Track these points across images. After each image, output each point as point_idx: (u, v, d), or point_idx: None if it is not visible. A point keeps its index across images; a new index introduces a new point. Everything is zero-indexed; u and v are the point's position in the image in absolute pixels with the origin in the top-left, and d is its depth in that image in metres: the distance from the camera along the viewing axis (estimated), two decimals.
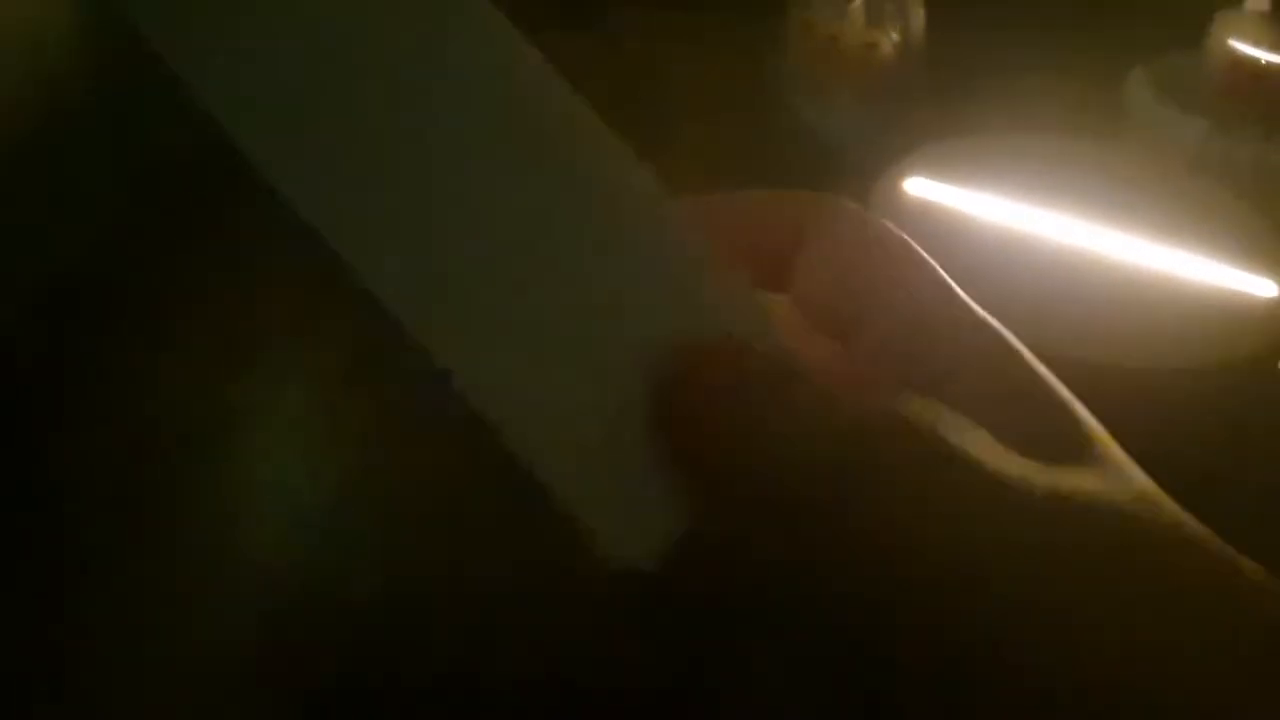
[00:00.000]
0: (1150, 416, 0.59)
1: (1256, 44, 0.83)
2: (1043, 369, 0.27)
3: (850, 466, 0.24)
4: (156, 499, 0.61)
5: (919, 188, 0.72)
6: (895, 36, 0.88)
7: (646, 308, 0.27)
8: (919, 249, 0.29)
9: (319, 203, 0.25)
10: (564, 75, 0.27)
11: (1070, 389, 0.28)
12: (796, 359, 0.27)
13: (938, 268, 0.29)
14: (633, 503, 0.26)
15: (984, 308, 0.29)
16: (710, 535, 0.26)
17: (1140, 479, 0.25)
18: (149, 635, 0.55)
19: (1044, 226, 0.69)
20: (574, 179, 0.27)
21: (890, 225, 0.29)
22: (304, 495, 0.62)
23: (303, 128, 0.25)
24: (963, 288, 0.29)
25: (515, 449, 0.26)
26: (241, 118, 0.24)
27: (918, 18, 0.89)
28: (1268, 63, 0.82)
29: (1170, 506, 0.25)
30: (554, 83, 0.28)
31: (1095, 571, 0.23)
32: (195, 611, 0.57)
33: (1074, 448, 0.25)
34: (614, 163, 0.28)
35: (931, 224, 0.70)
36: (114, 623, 0.56)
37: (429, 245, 0.26)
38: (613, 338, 0.27)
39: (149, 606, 0.56)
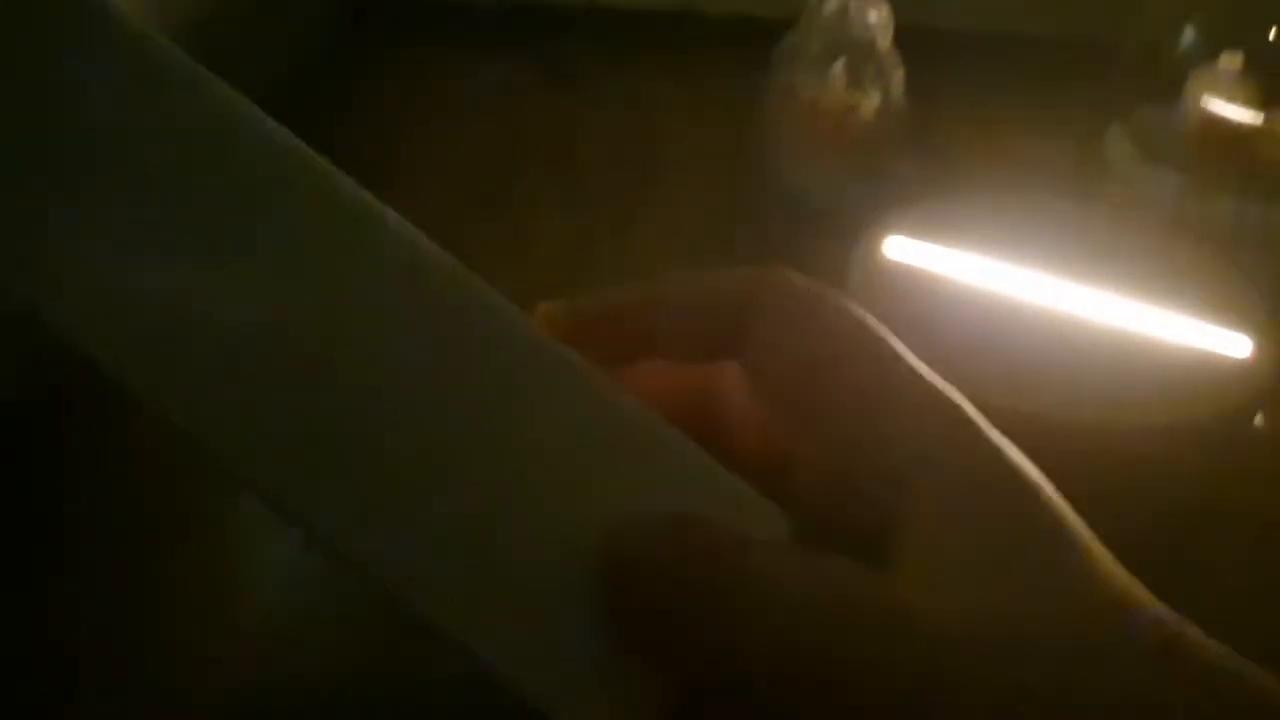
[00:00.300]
0: (1128, 474, 0.59)
1: (1229, 101, 0.84)
2: (1007, 446, 0.27)
3: (806, 646, 0.24)
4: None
5: (899, 248, 0.73)
6: (876, 99, 0.89)
7: (581, 485, 0.26)
8: (876, 324, 0.28)
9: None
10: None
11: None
12: (739, 528, 0.26)
13: (896, 343, 0.28)
14: (599, 691, 0.25)
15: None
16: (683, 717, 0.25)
17: (1103, 578, 0.25)
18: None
19: (1024, 285, 0.70)
20: (490, 361, 0.26)
21: (846, 300, 0.29)
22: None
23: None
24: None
25: (467, 646, 0.25)
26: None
27: (898, 80, 0.90)
28: (1240, 120, 0.83)
29: (1134, 606, 0.25)
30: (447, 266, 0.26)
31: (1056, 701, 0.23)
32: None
33: (1037, 537, 0.25)
34: (527, 337, 0.27)
35: (912, 284, 0.71)
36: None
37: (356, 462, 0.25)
38: (551, 521, 0.26)
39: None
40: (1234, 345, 0.66)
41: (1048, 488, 0.26)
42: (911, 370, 0.28)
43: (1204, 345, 0.66)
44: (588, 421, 0.26)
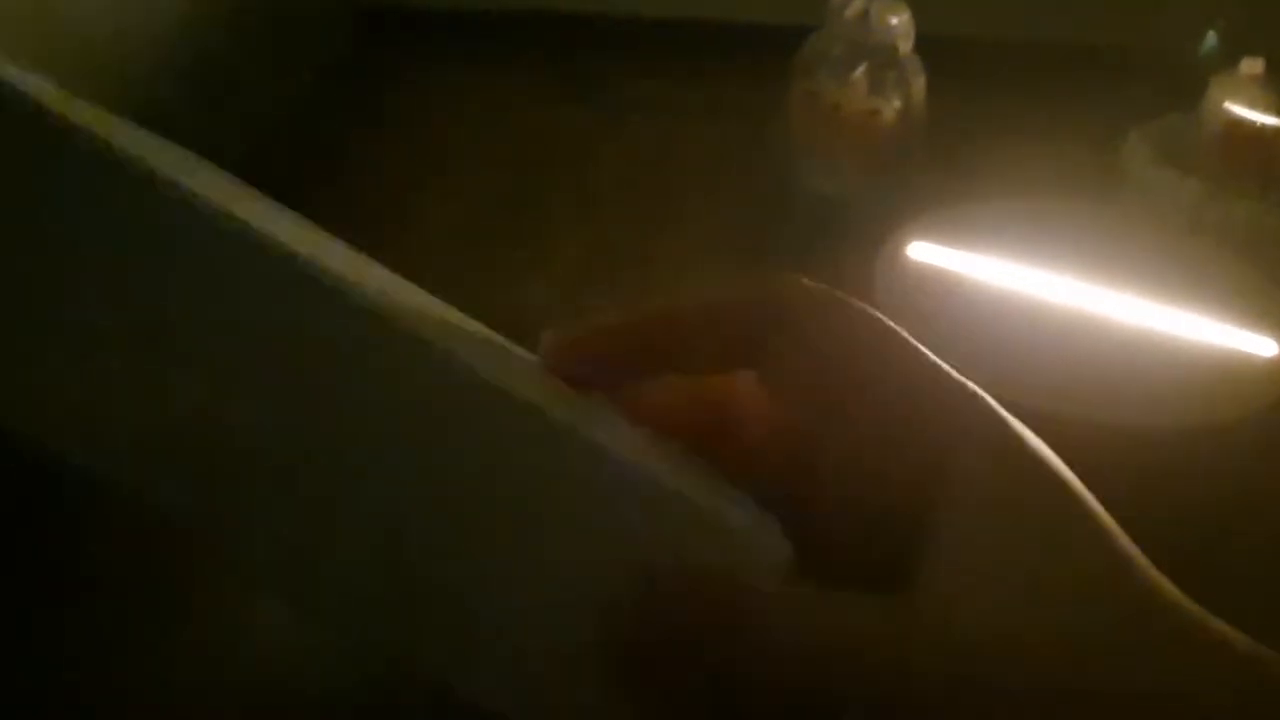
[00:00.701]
0: (1153, 475, 0.60)
1: (1251, 107, 0.84)
2: (1034, 439, 0.27)
3: (824, 692, 0.24)
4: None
5: (922, 252, 0.73)
6: (897, 104, 0.90)
7: (576, 538, 0.26)
8: (898, 328, 0.28)
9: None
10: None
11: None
12: (744, 578, 0.26)
13: (919, 345, 0.28)
14: None
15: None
16: None
17: (1134, 573, 0.25)
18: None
19: (1046, 289, 0.70)
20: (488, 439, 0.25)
21: (867, 306, 0.29)
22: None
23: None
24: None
25: (484, 702, 0.25)
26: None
27: (919, 86, 0.91)
28: (1262, 125, 0.83)
29: (1163, 599, 0.25)
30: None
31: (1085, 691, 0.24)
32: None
33: (1064, 521, 0.25)
34: (498, 393, 0.26)
35: (935, 288, 0.71)
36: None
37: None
38: (547, 583, 0.26)
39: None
40: (1258, 347, 0.67)
41: (1074, 479, 0.27)
42: (934, 366, 0.28)
43: (1227, 347, 0.67)
44: (575, 469, 0.26)
